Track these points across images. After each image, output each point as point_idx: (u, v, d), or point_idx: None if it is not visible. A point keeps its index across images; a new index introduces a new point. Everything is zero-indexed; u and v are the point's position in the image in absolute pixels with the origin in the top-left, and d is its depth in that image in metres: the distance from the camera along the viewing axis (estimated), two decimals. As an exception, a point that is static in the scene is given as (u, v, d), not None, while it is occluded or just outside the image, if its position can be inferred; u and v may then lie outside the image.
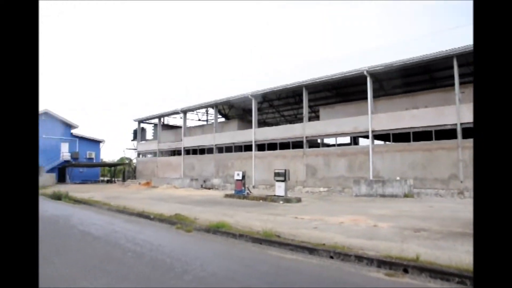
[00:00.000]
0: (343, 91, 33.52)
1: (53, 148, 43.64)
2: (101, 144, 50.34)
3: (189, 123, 43.04)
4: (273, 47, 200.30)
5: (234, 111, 45.64)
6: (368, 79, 24.24)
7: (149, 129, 49.11)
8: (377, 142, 26.27)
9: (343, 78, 26.64)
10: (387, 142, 27.90)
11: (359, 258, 6.16)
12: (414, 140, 22.31)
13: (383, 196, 19.10)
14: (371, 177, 22.70)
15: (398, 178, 20.31)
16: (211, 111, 42.91)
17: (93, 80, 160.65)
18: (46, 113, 43.79)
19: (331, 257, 6.49)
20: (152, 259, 6.33)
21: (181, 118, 40.95)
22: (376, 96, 26.35)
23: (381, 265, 5.83)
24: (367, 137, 24.74)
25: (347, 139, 30.64)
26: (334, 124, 26.54)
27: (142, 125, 47.24)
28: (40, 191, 26.78)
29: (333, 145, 28.21)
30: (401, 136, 23.82)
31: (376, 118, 23.89)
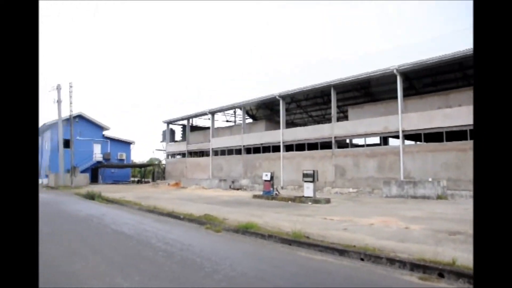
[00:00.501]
0: (371, 90, 32.93)
1: (87, 149, 45.27)
2: (131, 145, 51.63)
3: (217, 124, 43.49)
4: (273, 47, 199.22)
5: (261, 112, 45.75)
6: (398, 77, 23.65)
7: (177, 130, 50.07)
8: (407, 142, 25.62)
9: (372, 77, 26.14)
10: (418, 142, 27.16)
11: (391, 261, 6.01)
12: (446, 140, 21.60)
13: (414, 197, 18.58)
14: (401, 178, 22.15)
15: (430, 179, 19.69)
16: (239, 111, 43.19)
17: (122, 83, 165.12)
18: (80, 116, 45.39)
19: (362, 259, 6.38)
20: (182, 258, 6.43)
21: (208, 119, 41.43)
22: (406, 95, 25.70)
23: (414, 268, 5.66)
24: (397, 137, 24.15)
25: (376, 139, 30.07)
26: (363, 124, 26.08)
27: (170, 126, 48.14)
28: (75, 191, 27.85)
29: (362, 146, 27.74)
30: (433, 136, 23.12)
31: (406, 118, 23.29)
